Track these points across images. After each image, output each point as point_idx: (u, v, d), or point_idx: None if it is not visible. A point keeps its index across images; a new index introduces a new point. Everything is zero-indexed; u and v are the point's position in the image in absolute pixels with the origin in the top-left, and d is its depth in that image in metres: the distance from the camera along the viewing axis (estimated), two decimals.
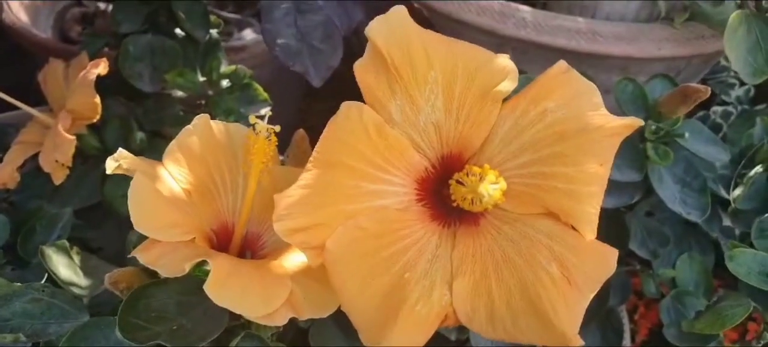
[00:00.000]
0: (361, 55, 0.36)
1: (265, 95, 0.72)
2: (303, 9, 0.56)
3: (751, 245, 0.53)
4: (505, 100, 0.36)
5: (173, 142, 0.40)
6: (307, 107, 1.28)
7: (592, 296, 0.33)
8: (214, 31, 0.72)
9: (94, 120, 0.58)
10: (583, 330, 0.73)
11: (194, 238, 0.36)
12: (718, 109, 0.97)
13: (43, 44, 0.93)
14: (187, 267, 0.32)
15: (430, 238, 0.35)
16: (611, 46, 0.74)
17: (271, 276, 0.35)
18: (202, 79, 0.68)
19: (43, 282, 0.50)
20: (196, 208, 0.39)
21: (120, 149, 0.38)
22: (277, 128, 0.39)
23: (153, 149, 0.63)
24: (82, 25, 1.16)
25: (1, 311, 0.41)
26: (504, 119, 0.36)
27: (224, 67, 0.69)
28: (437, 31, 0.36)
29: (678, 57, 0.77)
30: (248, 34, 1.11)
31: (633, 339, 0.77)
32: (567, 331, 0.31)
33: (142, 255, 0.34)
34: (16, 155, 0.60)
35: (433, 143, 0.36)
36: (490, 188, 0.31)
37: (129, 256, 0.34)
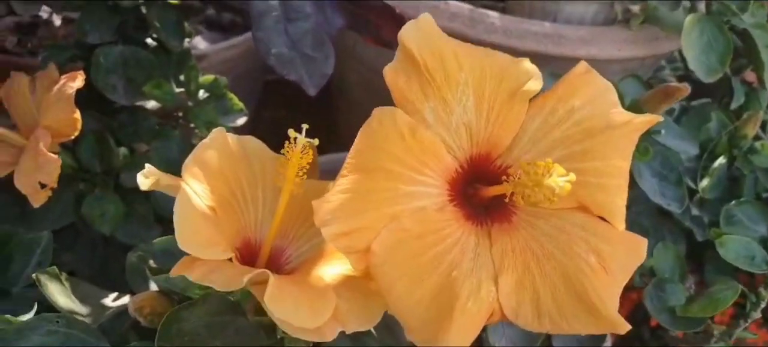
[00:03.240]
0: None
1: (241, 104, 0.71)
2: (291, 16, 0.56)
3: None
4: (532, 99, 0.37)
5: (190, 157, 0.39)
6: (256, 116, 1.26)
7: (625, 283, 0.35)
8: (186, 40, 0.70)
9: (73, 137, 0.55)
10: None
11: (231, 257, 0.35)
12: None
13: None
14: (245, 280, 0.32)
15: (469, 237, 0.36)
16: (576, 48, 0.77)
17: (314, 290, 0.35)
18: (178, 90, 0.66)
19: (33, 311, 0.47)
20: (222, 225, 0.38)
21: (147, 165, 0.37)
22: (316, 142, 0.38)
23: (134, 165, 0.61)
24: (17, 36, 1.09)
25: None
26: (532, 118, 0.37)
27: (201, 77, 0.67)
28: None
29: (634, 58, 0.83)
30: (200, 43, 1.09)
31: None
32: (614, 317, 0.33)
33: (189, 274, 0.32)
34: None
35: (463, 143, 0.37)
36: (560, 181, 0.32)
37: (173, 276, 0.33)
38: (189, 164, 0.39)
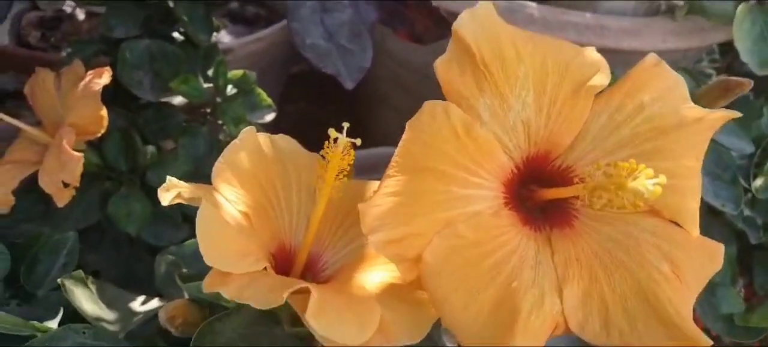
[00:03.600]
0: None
1: (269, 100, 0.69)
2: (328, 7, 0.53)
3: None
4: (597, 94, 0.34)
5: (221, 160, 0.37)
6: (279, 110, 1.24)
7: (698, 293, 0.32)
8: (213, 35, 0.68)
9: (99, 134, 0.53)
10: None
11: (266, 267, 0.32)
12: None
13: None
14: (285, 296, 0.29)
15: (528, 243, 0.33)
16: (619, 40, 0.74)
17: (357, 301, 0.32)
18: (205, 85, 0.64)
19: (58, 317, 0.45)
20: (256, 232, 0.36)
21: (168, 176, 0.34)
22: (358, 142, 0.36)
23: (161, 163, 0.59)
24: (40, 30, 1.08)
25: None
26: (597, 115, 0.34)
27: (230, 72, 0.65)
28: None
29: (678, 50, 0.79)
30: (224, 37, 1.07)
31: None
32: (693, 331, 0.30)
33: (223, 290, 0.30)
34: (8, 177, 0.54)
35: (520, 142, 0.34)
36: (649, 184, 0.28)
37: (206, 291, 0.30)
38: (220, 168, 0.37)
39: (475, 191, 0.33)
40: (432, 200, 0.31)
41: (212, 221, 0.31)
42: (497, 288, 0.31)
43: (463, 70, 0.33)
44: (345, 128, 0.35)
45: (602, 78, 0.34)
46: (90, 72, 0.55)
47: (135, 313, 0.48)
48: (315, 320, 0.28)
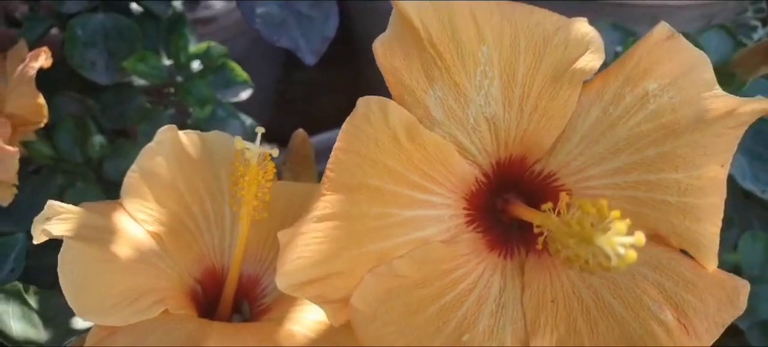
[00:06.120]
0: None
1: (245, 75, 0.61)
2: None
3: None
4: (586, 81, 0.26)
5: (132, 169, 0.31)
6: (286, 77, 1.16)
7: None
8: (177, 3, 0.61)
9: (41, 124, 0.48)
10: None
11: (166, 309, 0.26)
12: None
13: None
14: None
15: (491, 278, 0.26)
16: None
17: None
18: (167, 62, 0.57)
19: None
20: (170, 256, 0.29)
21: (50, 201, 0.28)
22: (275, 152, 0.29)
23: (117, 153, 0.53)
24: (28, 3, 1.03)
25: None
26: (586, 109, 0.26)
27: (193, 46, 0.58)
28: None
29: (716, 2, 0.68)
30: (216, 3, 1.00)
31: None
32: None
33: None
34: None
35: (486, 144, 0.26)
36: (619, 243, 0.19)
37: None
38: (131, 180, 0.31)
39: (423, 212, 0.25)
40: (364, 226, 0.24)
41: (81, 264, 0.25)
42: (444, 341, 0.24)
43: (408, 55, 0.25)
44: (259, 134, 0.28)
45: (593, 59, 0.25)
46: (29, 54, 0.49)
47: (73, 331, 0.43)
48: None
